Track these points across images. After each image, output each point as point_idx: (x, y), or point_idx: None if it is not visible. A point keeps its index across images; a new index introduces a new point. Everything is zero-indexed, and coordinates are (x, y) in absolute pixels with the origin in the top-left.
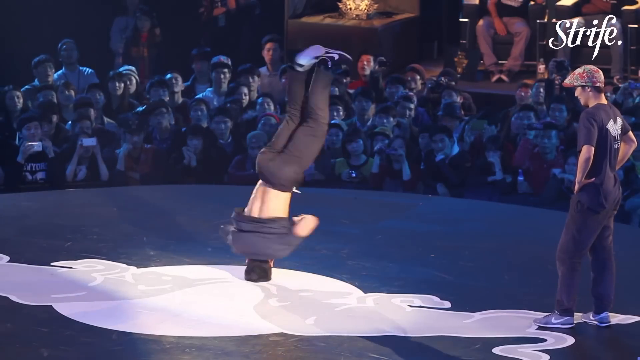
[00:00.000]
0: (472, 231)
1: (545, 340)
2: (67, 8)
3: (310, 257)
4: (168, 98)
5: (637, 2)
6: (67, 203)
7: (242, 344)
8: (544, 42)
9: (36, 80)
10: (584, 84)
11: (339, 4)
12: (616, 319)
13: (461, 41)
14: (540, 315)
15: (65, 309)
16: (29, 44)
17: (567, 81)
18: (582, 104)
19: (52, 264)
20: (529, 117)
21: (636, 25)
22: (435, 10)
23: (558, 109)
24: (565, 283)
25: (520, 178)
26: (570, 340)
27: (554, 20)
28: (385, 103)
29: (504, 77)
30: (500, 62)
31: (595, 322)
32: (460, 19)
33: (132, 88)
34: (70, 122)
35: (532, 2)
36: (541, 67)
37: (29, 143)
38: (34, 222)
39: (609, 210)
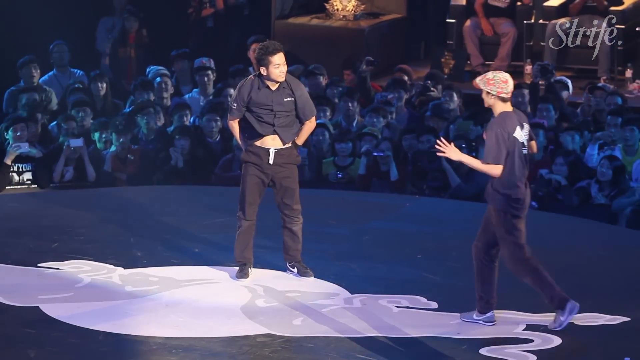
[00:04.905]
0: (459, 232)
1: (532, 340)
2: (52, 8)
3: None
4: (154, 98)
5: (623, 3)
6: (54, 204)
7: (229, 344)
8: (531, 43)
9: (22, 81)
10: (489, 90)
11: (326, 4)
12: (603, 319)
13: (448, 42)
14: (528, 316)
15: (52, 310)
16: (14, 45)
17: (477, 80)
18: (485, 106)
19: (39, 265)
20: None
21: (623, 26)
22: (422, 11)
23: (545, 109)
24: (541, 285)
25: None
26: (557, 341)
27: (540, 21)
28: (373, 103)
29: None
30: (487, 62)
31: (481, 322)
32: (447, 20)
33: (169, 90)
34: (54, 123)
35: (519, 3)
36: (528, 68)
37: (16, 144)
38: (21, 223)
39: (525, 212)
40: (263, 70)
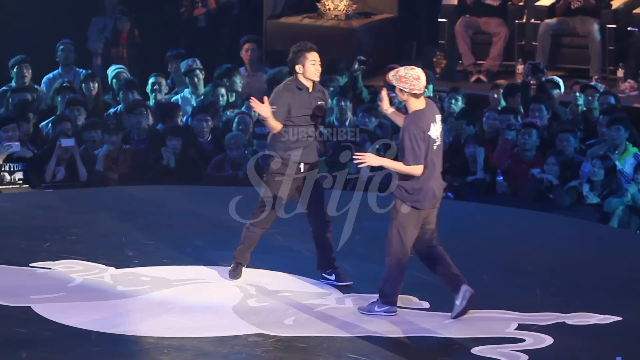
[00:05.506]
0: (450, 231)
1: (524, 340)
2: (43, 8)
3: (289, 257)
4: (139, 98)
5: (611, 5)
6: (46, 204)
7: (221, 344)
8: (523, 43)
9: (13, 81)
10: (401, 88)
11: (317, 4)
12: (595, 318)
13: (440, 41)
14: (520, 315)
15: (44, 309)
16: (5, 45)
17: (390, 77)
18: (399, 100)
19: (30, 264)
20: (509, 119)
21: (614, 26)
22: (414, 10)
23: (538, 109)
24: (394, 278)
25: (499, 178)
26: (549, 341)
27: (532, 21)
28: (364, 103)
29: (482, 78)
30: (478, 62)
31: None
32: (439, 19)
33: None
34: (44, 123)
35: (509, 3)
36: (520, 68)
37: (7, 144)
38: (13, 223)
39: (431, 206)
40: (299, 68)
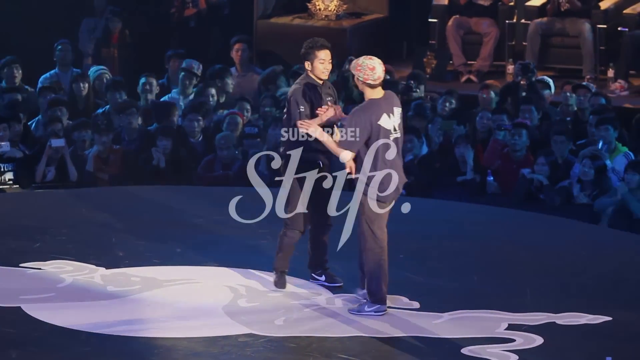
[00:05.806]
0: (441, 231)
1: (514, 340)
2: (34, 9)
3: None
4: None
5: (599, 7)
6: (36, 204)
7: (211, 344)
8: (513, 43)
9: (3, 81)
10: (357, 76)
11: (308, 4)
12: (585, 318)
13: (430, 41)
14: (510, 315)
15: (33, 310)
16: None
17: (352, 64)
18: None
19: (20, 265)
20: (502, 119)
21: (604, 26)
22: (405, 10)
23: (528, 110)
24: (375, 272)
25: (490, 178)
26: (539, 341)
27: (522, 21)
28: (355, 103)
29: (473, 78)
30: (469, 62)
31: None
32: (430, 19)
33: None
34: (33, 123)
35: (500, 3)
36: (510, 68)
37: None
38: (2, 223)
39: (393, 198)
40: (307, 65)
